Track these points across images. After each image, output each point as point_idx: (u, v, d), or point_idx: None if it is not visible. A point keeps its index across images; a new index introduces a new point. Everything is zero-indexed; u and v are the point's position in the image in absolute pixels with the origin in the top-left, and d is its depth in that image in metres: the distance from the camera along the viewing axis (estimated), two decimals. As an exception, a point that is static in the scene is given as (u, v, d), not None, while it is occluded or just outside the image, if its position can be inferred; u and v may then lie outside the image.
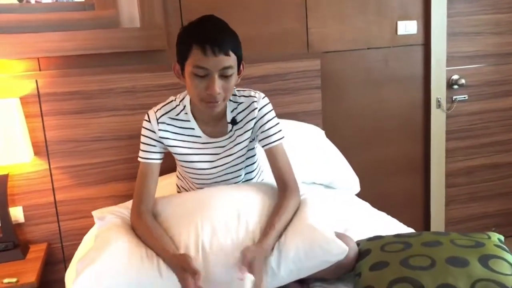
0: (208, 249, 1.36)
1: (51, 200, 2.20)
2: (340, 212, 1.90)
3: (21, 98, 2.08)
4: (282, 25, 2.47)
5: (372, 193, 2.61)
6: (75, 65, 2.19)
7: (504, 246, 1.34)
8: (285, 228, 1.42)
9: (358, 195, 2.25)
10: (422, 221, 2.94)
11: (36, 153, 2.14)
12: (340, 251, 1.34)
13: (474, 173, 2.99)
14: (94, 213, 1.64)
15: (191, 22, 1.45)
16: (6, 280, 1.85)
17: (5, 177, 2.02)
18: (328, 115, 2.60)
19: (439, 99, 2.78)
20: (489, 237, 1.38)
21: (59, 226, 2.23)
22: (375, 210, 2.01)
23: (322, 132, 2.45)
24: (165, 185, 1.96)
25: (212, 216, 1.43)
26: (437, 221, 2.92)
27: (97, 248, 1.41)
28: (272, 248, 1.36)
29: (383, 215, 1.94)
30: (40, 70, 2.16)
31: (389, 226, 1.79)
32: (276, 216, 1.42)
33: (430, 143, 2.82)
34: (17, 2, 2.16)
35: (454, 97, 2.86)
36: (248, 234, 1.40)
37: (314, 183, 2.17)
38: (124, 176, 2.24)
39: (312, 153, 2.20)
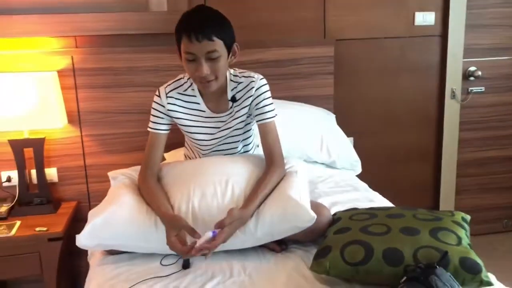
0: (197, 210, 1.57)
1: (82, 164, 2.47)
2: (331, 188, 2.06)
3: (58, 72, 2.35)
4: (300, 13, 2.62)
5: (382, 178, 2.74)
6: (107, 44, 2.43)
7: (463, 223, 1.46)
8: (267, 197, 1.60)
9: (367, 179, 2.32)
10: (431, 208, 3.01)
11: (70, 121, 2.41)
12: (309, 219, 1.51)
13: (487, 164, 3.03)
14: (109, 173, 1.89)
15: (184, 13, 1.64)
16: (37, 229, 2.14)
17: (42, 140, 2.30)
18: (340, 100, 2.72)
19: (454, 89, 2.84)
20: (452, 215, 1.50)
21: (87, 187, 2.50)
22: (371, 190, 2.14)
23: (333, 116, 2.59)
24: (178, 156, 2.19)
25: (204, 182, 1.63)
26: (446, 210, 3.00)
27: (107, 201, 1.67)
28: (252, 214, 1.55)
29: (375, 194, 2.07)
30: (76, 47, 2.41)
31: (376, 203, 1.92)
32: (260, 186, 1.61)
33: (442, 132, 2.90)
34: (59, -14, 2.42)
35: (470, 88, 2.91)
36: (233, 199, 1.59)
37: (316, 162, 2.32)
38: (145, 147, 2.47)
39: (316, 134, 2.35)
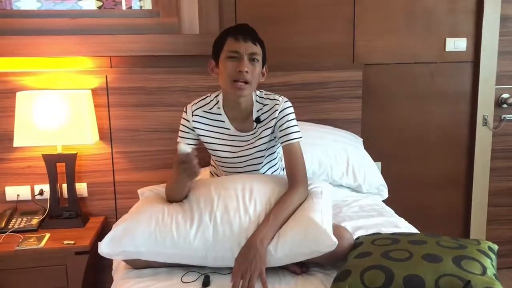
0: (219, 223, 1.59)
1: (111, 180, 2.53)
2: (356, 213, 2.04)
3: (92, 90, 2.43)
4: (330, 38, 2.64)
5: (411, 205, 2.70)
6: (140, 64, 2.51)
7: (489, 253, 1.42)
8: (287, 219, 1.59)
9: (395, 205, 2.27)
10: (461, 237, 2.94)
11: (101, 138, 2.48)
12: (330, 243, 1.49)
13: (521, 194, 2.95)
14: (139, 190, 1.97)
15: (227, 28, 1.79)
16: (65, 242, 2.19)
17: (74, 156, 2.37)
18: (369, 125, 2.71)
19: (486, 116, 2.79)
20: (478, 243, 1.46)
21: (115, 203, 2.55)
22: (396, 215, 2.10)
23: (360, 140, 2.58)
24: (204, 175, 2.21)
25: (227, 197, 1.66)
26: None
27: (131, 212, 1.74)
28: (272, 237, 1.54)
29: (400, 219, 2.03)
30: (111, 67, 2.50)
31: (401, 229, 1.89)
32: (275, 208, 1.61)
33: (474, 160, 2.84)
34: (96, 8, 2.53)
35: (503, 116, 2.85)
36: (255, 216, 1.60)
37: (341, 185, 2.31)
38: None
39: (342, 157, 2.34)
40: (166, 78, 2.49)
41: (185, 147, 1.59)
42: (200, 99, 1.89)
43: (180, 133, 1.88)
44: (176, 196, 1.72)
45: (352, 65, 2.65)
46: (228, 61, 1.72)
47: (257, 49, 1.73)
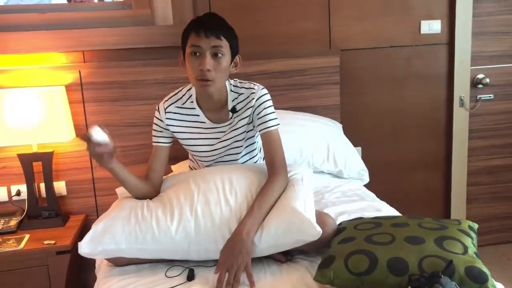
0: (200, 215, 1.57)
1: (90, 177, 2.49)
2: (338, 198, 2.05)
3: (66, 86, 2.38)
4: (305, 24, 2.63)
5: (392, 188, 2.72)
6: (114, 58, 2.46)
7: (470, 232, 1.43)
8: (270, 208, 1.58)
9: (376, 189, 2.28)
10: (442, 218, 2.98)
11: (78, 135, 2.43)
12: (315, 233, 1.49)
13: (498, 172, 2.99)
14: (117, 189, 1.91)
15: (194, 18, 1.71)
16: (46, 242, 2.15)
17: (50, 154, 2.32)
18: (347, 110, 2.71)
19: (462, 97, 2.82)
20: (459, 223, 1.48)
21: (96, 200, 2.52)
22: (378, 199, 2.11)
23: (339, 126, 2.59)
24: (184, 168, 2.21)
25: (207, 190, 1.64)
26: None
27: (109, 211, 1.71)
28: (257, 229, 1.53)
29: (383, 203, 2.05)
30: (84, 62, 2.44)
31: (383, 212, 1.91)
32: (257, 199, 1.59)
33: (452, 141, 2.87)
34: (66, 2, 2.47)
35: (479, 96, 2.88)
36: (236, 207, 1.59)
37: (322, 172, 2.31)
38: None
39: (322, 143, 2.34)
40: (141, 71, 2.45)
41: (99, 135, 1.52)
42: (172, 94, 1.84)
43: (153, 132, 1.83)
44: (133, 191, 1.72)
45: (329, 51, 2.64)
46: (192, 57, 1.65)
47: (221, 42, 1.64)
